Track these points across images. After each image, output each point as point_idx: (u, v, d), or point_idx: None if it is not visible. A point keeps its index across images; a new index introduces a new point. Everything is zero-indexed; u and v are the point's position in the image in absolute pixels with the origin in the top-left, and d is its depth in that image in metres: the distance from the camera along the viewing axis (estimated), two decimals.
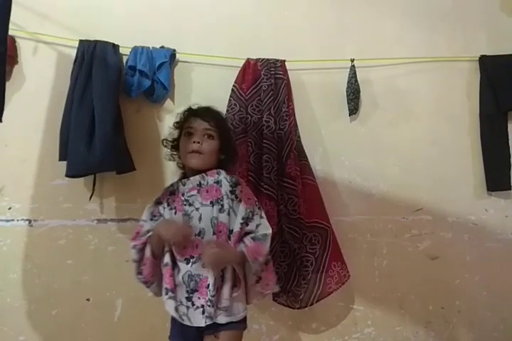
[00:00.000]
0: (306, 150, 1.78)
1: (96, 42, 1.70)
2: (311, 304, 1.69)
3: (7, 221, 1.73)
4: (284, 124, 1.73)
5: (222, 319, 1.29)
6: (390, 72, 1.91)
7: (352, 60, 1.84)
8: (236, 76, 1.77)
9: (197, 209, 1.34)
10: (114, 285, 1.78)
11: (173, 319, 1.35)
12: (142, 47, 1.74)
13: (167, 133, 1.76)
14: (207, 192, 1.36)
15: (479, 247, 1.89)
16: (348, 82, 1.84)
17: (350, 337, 1.85)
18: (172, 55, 1.76)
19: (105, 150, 1.59)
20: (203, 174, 1.37)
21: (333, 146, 1.87)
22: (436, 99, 1.93)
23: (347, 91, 1.84)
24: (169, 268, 1.32)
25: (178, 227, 1.31)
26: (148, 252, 1.33)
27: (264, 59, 1.78)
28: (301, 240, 1.69)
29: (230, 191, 1.36)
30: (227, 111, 1.74)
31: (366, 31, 1.92)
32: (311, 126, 1.85)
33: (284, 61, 1.79)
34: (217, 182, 1.37)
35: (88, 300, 1.76)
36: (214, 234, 1.32)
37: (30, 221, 1.74)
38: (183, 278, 1.31)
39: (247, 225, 1.34)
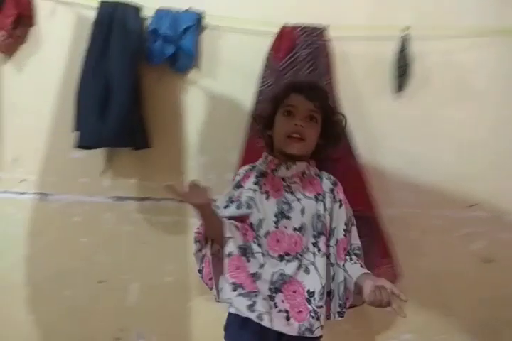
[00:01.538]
0: None
1: (117, 3, 1.54)
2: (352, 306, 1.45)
3: (20, 193, 1.64)
4: None
5: (318, 332, 1.11)
6: (450, 44, 1.62)
7: (405, 29, 1.58)
8: (271, 43, 1.57)
9: (298, 199, 1.17)
10: (130, 268, 1.67)
11: (241, 322, 1.09)
12: (167, 10, 1.56)
13: (190, 105, 1.65)
14: (310, 183, 1.20)
15: None
16: (398, 54, 1.59)
17: None
18: (199, 18, 1.58)
19: (119, 124, 1.48)
20: (308, 163, 1.21)
21: (377, 128, 1.63)
22: (502, 77, 1.63)
23: (395, 65, 1.60)
24: (234, 259, 1.09)
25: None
26: (206, 248, 1.14)
27: (302, 25, 1.56)
28: None
29: (330, 189, 1.21)
30: (260, 83, 1.55)
31: None
32: (352, 104, 1.61)
33: (325, 28, 1.56)
34: (319, 176, 1.23)
35: (101, 282, 1.66)
36: (317, 233, 1.15)
37: (44, 195, 1.65)
38: (272, 275, 1.11)
39: (346, 235, 1.19)
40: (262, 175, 1.20)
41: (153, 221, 1.66)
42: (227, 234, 1.10)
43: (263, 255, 1.13)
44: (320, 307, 1.11)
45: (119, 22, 1.53)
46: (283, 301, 1.10)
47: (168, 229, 1.65)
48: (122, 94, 1.50)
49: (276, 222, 1.15)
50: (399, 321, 1.63)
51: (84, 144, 1.52)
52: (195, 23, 1.56)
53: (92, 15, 1.56)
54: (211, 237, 1.13)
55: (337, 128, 1.26)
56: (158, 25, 1.54)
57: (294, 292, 1.11)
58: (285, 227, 1.14)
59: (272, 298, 1.09)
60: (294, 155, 1.18)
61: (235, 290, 1.07)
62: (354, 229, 1.23)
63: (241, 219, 1.16)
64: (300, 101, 1.19)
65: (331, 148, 1.27)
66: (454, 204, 1.63)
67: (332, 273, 1.17)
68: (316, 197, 1.18)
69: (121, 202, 1.66)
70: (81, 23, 1.60)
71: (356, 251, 1.20)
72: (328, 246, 1.17)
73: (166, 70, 1.62)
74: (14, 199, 1.64)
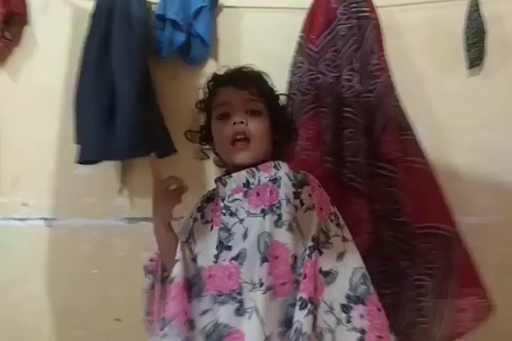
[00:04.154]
0: None
1: None
2: None
3: (22, 220, 1.41)
4: (374, 83, 1.22)
5: None
6: None
7: None
8: (303, 22, 1.29)
9: (241, 220, 0.88)
10: None
11: None
12: None
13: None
14: (257, 195, 0.89)
15: None
16: (468, 19, 1.28)
17: None
18: None
19: (130, 130, 1.23)
20: (253, 168, 0.92)
21: (445, 115, 1.31)
22: None
23: (466, 33, 1.29)
24: (177, 286, 0.84)
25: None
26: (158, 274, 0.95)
27: None
28: (412, 255, 1.18)
29: (294, 193, 0.87)
30: (292, 72, 1.29)
31: None
32: (411, 87, 1.31)
33: None
34: (274, 180, 0.89)
35: (118, 320, 1.40)
36: (264, 260, 0.81)
37: (47, 220, 1.41)
38: (205, 327, 0.81)
39: (321, 253, 0.82)
40: (208, 198, 1.00)
41: None
42: (178, 256, 0.88)
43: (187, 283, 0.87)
44: None
45: (120, 10, 1.29)
46: None
47: None
48: (130, 95, 1.25)
49: (216, 256, 0.88)
50: None
51: (88, 158, 1.27)
52: (208, 3, 1.29)
53: (90, 5, 1.33)
54: (165, 262, 0.96)
55: (286, 114, 1.03)
56: (165, 10, 1.29)
57: None
58: (224, 260, 0.86)
59: None
60: (247, 163, 0.92)
61: (162, 329, 0.82)
62: (348, 246, 0.85)
63: None
64: (231, 94, 0.94)
65: (288, 141, 1.04)
66: None
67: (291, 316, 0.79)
68: (263, 210, 0.85)
69: (135, 223, 1.40)
70: (79, 16, 1.38)
71: (361, 291, 0.80)
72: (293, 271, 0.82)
73: (179, 64, 1.36)
74: (16, 226, 1.42)
